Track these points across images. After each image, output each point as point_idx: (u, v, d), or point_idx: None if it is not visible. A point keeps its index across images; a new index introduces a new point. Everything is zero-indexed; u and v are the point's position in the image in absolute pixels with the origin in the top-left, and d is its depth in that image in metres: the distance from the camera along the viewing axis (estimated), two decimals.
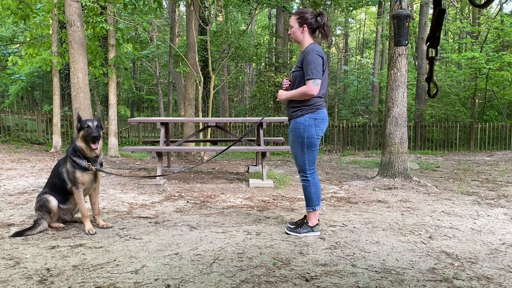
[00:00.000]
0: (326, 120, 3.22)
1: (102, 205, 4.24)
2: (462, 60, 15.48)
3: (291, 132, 3.24)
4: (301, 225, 3.27)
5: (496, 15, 19.28)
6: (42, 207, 3.28)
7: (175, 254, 2.77)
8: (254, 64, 24.53)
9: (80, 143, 3.26)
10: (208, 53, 9.78)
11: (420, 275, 2.47)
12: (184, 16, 19.97)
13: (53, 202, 3.29)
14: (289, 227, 3.32)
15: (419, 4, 17.13)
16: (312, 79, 3.03)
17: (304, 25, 3.14)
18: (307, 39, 3.18)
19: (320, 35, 3.18)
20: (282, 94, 3.25)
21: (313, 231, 3.24)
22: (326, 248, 2.94)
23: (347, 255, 2.79)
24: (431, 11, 13.47)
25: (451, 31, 23.85)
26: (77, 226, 3.44)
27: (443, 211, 4.15)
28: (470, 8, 20.47)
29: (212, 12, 15.42)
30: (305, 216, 3.33)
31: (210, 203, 4.44)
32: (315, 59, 3.04)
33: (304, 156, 3.20)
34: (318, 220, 3.31)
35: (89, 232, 3.23)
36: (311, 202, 3.26)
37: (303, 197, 4.82)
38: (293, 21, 3.19)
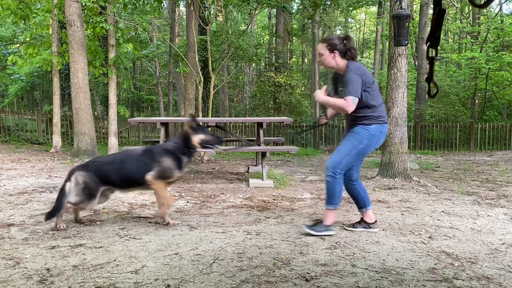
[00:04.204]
0: (385, 136, 3.32)
1: (102, 205, 4.24)
2: (462, 60, 15.47)
3: (351, 133, 3.26)
4: (317, 224, 3.30)
5: (496, 15, 19.28)
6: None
7: (175, 254, 2.77)
8: (254, 64, 24.53)
9: (195, 145, 3.45)
10: (208, 53, 9.78)
11: (420, 275, 2.47)
12: (184, 16, 19.97)
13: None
14: (304, 229, 3.32)
15: (419, 4, 17.13)
16: (350, 96, 3.08)
17: (335, 51, 3.22)
18: (341, 62, 3.25)
19: (348, 57, 3.25)
20: (320, 95, 3.28)
21: (329, 230, 3.25)
22: (326, 248, 2.94)
23: (347, 255, 2.79)
24: (431, 11, 13.47)
25: (451, 31, 23.87)
26: (77, 226, 3.44)
27: (443, 211, 4.15)
28: (470, 8, 20.47)
29: (212, 12, 15.41)
30: (321, 218, 3.35)
31: (210, 203, 4.44)
32: (353, 78, 3.10)
33: (346, 157, 3.21)
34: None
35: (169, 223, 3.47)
36: (333, 200, 3.26)
37: (303, 197, 4.84)
38: (323, 48, 3.26)
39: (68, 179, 3.35)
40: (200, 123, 3.58)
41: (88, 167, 3.39)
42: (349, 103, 3.09)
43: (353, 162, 3.26)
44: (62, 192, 3.31)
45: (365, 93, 3.16)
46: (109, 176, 3.36)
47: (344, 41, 3.24)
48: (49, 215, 3.25)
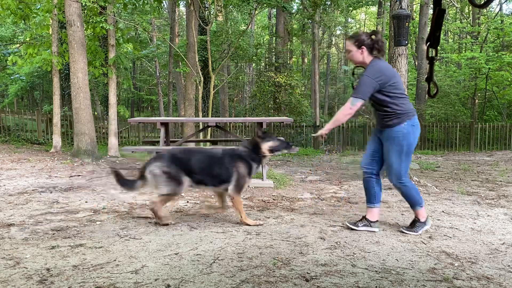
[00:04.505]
0: (419, 126, 3.34)
1: (102, 205, 4.24)
2: (462, 60, 15.48)
3: (388, 141, 3.29)
4: (414, 224, 3.37)
5: (496, 15, 19.28)
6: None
7: (175, 254, 2.77)
8: (254, 64, 24.53)
9: (265, 152, 3.56)
10: (208, 53, 9.79)
11: (420, 275, 2.47)
12: (184, 16, 19.96)
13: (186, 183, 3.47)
14: (404, 231, 3.38)
15: (419, 4, 17.14)
16: (353, 97, 3.16)
17: (363, 47, 3.28)
18: (367, 58, 3.30)
19: (375, 51, 3.31)
20: (323, 130, 3.34)
21: (426, 224, 3.36)
22: (326, 248, 2.94)
23: (347, 255, 2.79)
24: (431, 11, 13.47)
25: (451, 31, 23.87)
26: (77, 226, 3.44)
27: (443, 211, 4.15)
28: (470, 8, 20.47)
29: (212, 12, 15.42)
30: (415, 218, 3.41)
31: (210, 203, 4.43)
32: (364, 80, 3.18)
33: (401, 163, 3.27)
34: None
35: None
36: (416, 202, 3.37)
37: (303, 197, 4.84)
38: (350, 45, 3.33)
39: (141, 175, 3.45)
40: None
41: (163, 156, 3.48)
42: (347, 106, 3.18)
43: (409, 163, 3.35)
44: (133, 182, 3.47)
45: (386, 93, 3.19)
46: (187, 165, 3.45)
47: (372, 36, 3.30)
48: (121, 182, 3.50)
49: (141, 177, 3.45)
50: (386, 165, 3.37)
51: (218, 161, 3.49)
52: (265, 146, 3.55)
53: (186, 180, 3.44)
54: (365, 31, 3.51)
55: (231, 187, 3.45)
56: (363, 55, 3.29)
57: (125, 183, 3.51)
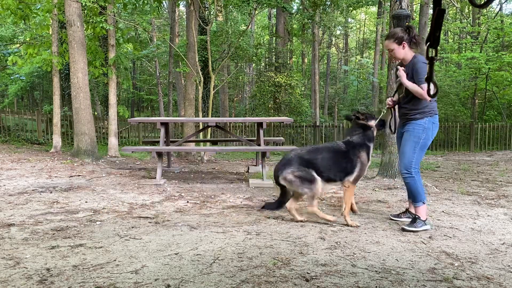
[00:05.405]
0: (438, 126, 3.54)
1: (102, 205, 4.25)
2: (462, 60, 15.47)
3: (408, 132, 3.49)
4: (414, 221, 3.41)
5: (496, 15, 19.28)
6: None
7: (175, 254, 2.77)
8: (254, 64, 24.53)
9: (374, 128, 3.68)
10: (208, 53, 9.78)
11: (420, 275, 2.47)
12: (184, 16, 19.97)
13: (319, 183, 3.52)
14: (405, 228, 3.39)
15: (419, 4, 17.13)
16: (426, 84, 3.21)
17: (403, 42, 3.45)
18: (408, 53, 3.49)
19: (413, 44, 3.48)
20: (403, 76, 3.43)
21: (426, 224, 3.40)
22: (326, 248, 2.94)
23: (347, 255, 2.79)
24: (431, 11, 13.46)
25: (451, 31, 23.87)
26: (77, 226, 3.44)
27: (443, 211, 4.15)
28: (470, 8, 20.47)
29: (212, 12, 15.42)
30: (415, 216, 3.45)
31: (210, 203, 4.44)
32: (424, 67, 3.32)
33: (414, 155, 3.43)
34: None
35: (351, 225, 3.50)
36: (419, 196, 3.45)
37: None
38: (390, 43, 3.49)
39: (279, 185, 3.60)
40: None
41: (291, 161, 3.57)
42: (425, 87, 3.24)
43: (421, 157, 3.48)
44: (283, 197, 3.65)
45: None
46: (315, 164, 3.52)
47: (408, 30, 3.44)
48: (272, 207, 3.73)
49: (281, 187, 3.59)
50: (400, 154, 3.53)
51: (343, 155, 3.54)
52: (372, 124, 3.65)
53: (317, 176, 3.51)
54: (400, 28, 3.63)
55: (352, 177, 3.51)
56: (404, 50, 3.45)
57: (280, 204, 3.65)
